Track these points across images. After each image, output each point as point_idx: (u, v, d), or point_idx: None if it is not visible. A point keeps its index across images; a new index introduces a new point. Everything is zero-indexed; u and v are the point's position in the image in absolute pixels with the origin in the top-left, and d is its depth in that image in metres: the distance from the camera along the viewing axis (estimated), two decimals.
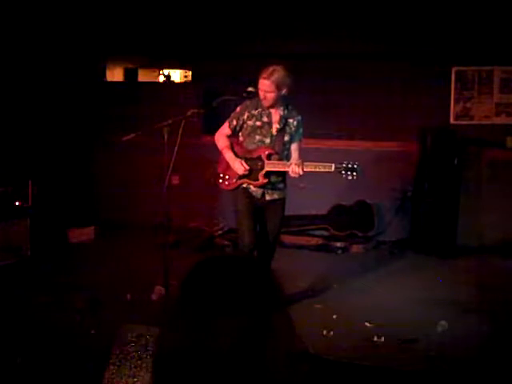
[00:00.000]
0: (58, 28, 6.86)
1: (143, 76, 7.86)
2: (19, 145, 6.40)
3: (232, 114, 4.25)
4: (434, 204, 6.38)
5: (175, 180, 6.72)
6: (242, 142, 4.26)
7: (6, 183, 5.72)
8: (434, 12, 6.43)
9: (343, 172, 3.95)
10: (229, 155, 4.20)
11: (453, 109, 6.81)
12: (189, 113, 4.14)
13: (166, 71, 7.71)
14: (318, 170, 3.97)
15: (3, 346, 3.74)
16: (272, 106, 4.12)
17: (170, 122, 4.03)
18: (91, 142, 7.55)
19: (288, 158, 4.24)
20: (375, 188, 6.73)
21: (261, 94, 4.05)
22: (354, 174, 3.94)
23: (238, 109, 4.22)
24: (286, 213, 6.65)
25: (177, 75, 7.79)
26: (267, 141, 4.15)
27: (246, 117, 4.17)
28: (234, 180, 4.21)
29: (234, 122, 4.21)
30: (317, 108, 6.86)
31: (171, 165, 4.00)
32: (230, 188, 4.25)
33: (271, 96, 4.03)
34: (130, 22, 7.18)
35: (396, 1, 6.54)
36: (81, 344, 3.84)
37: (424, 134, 6.48)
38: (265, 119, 4.14)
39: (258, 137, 4.16)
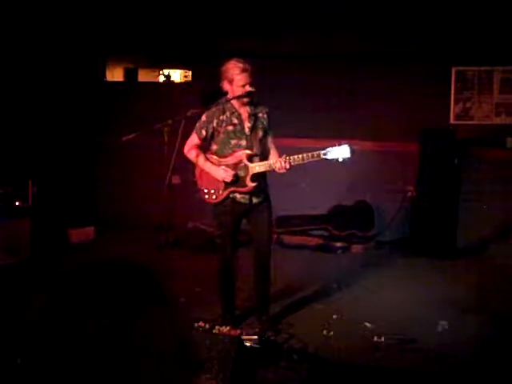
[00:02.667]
0: (58, 28, 6.86)
1: (143, 76, 7.87)
2: (19, 145, 6.41)
3: (198, 124, 4.11)
4: (434, 204, 6.38)
5: (175, 180, 6.73)
6: (215, 150, 4.10)
7: (5, 183, 5.72)
8: (434, 12, 6.43)
9: (332, 157, 3.75)
10: (208, 166, 4.06)
11: (453, 109, 6.81)
12: (189, 113, 4.11)
13: (166, 71, 7.72)
14: (306, 161, 3.81)
15: (3, 346, 3.74)
16: (247, 102, 3.99)
17: (169, 122, 4.01)
18: (91, 142, 7.55)
19: (266, 154, 4.09)
20: (375, 188, 6.74)
21: (245, 88, 3.90)
22: (345, 153, 3.73)
23: (204, 117, 4.07)
24: (287, 213, 6.71)
25: (177, 75, 7.80)
26: (243, 142, 4.02)
27: (215, 124, 4.02)
28: (221, 191, 4.05)
29: (204, 132, 4.07)
30: (317, 108, 6.87)
31: (171, 165, 3.99)
32: (218, 200, 4.08)
33: (253, 87, 3.93)
34: (130, 22, 7.18)
35: (396, 1, 6.53)
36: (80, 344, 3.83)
37: (424, 134, 6.49)
38: (235, 121, 4.01)
39: (233, 141, 4.02)
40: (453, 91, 6.79)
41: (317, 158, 3.78)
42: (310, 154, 3.79)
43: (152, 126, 3.99)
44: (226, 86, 3.99)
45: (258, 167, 3.97)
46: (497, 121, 6.72)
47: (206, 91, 6.97)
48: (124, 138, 4.06)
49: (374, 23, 6.65)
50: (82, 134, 7.46)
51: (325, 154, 3.76)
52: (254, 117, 4.04)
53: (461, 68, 6.76)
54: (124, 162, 7.31)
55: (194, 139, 4.13)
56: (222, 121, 4.03)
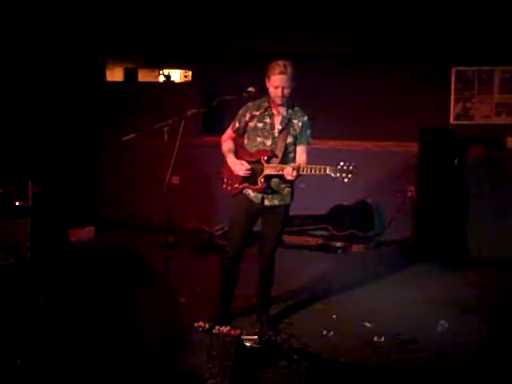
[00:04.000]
0: (58, 28, 6.86)
1: (143, 76, 7.87)
2: (19, 145, 6.41)
3: (235, 117, 4.19)
4: (434, 204, 6.38)
5: (175, 180, 6.73)
6: (245, 144, 4.16)
7: (6, 183, 5.72)
8: (434, 12, 6.43)
9: (338, 175, 3.74)
10: (230, 159, 4.13)
11: (453, 109, 6.82)
12: (189, 113, 4.11)
13: (166, 71, 7.72)
14: (314, 172, 3.81)
15: (3, 346, 3.74)
16: (283, 104, 4.06)
17: (169, 122, 4.01)
18: (91, 142, 7.55)
19: (294, 160, 4.09)
20: (375, 188, 6.74)
21: (277, 91, 3.92)
22: (350, 176, 3.72)
23: (241, 111, 4.15)
24: None
25: (177, 75, 7.79)
26: (268, 143, 4.04)
27: (247, 118, 4.09)
28: (236, 185, 4.11)
29: (237, 124, 4.15)
30: (317, 108, 6.84)
31: (171, 165, 3.99)
32: (233, 193, 4.14)
33: (288, 91, 3.94)
34: (129, 22, 7.18)
35: (396, 1, 6.53)
36: (80, 344, 3.84)
37: (424, 134, 6.49)
38: (267, 120, 4.05)
39: (259, 139, 4.06)
40: (453, 91, 6.80)
41: (323, 173, 3.78)
42: (317, 168, 3.79)
43: (152, 126, 3.99)
44: (267, 83, 4.01)
45: (270, 169, 3.98)
46: (497, 121, 6.73)
47: (206, 91, 6.99)
48: (124, 138, 4.07)
49: (374, 23, 6.65)
50: (81, 134, 7.46)
51: (331, 171, 3.77)
52: (287, 121, 4.05)
53: (461, 68, 6.76)
54: (124, 161, 7.31)
55: (229, 131, 4.21)
56: (254, 116, 4.07)
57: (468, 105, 6.78)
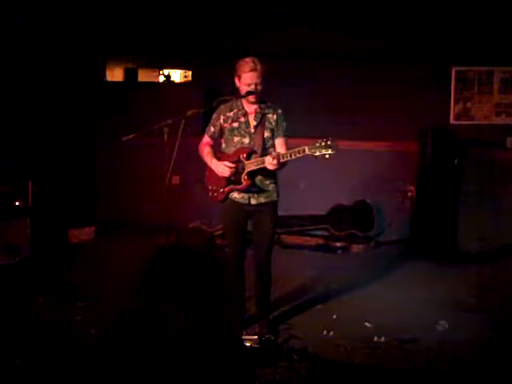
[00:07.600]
0: (58, 28, 6.86)
1: (143, 76, 7.87)
2: (19, 145, 6.41)
3: (209, 122, 4.16)
4: (434, 204, 6.38)
5: (175, 180, 6.73)
6: (224, 148, 4.13)
7: (6, 183, 5.72)
8: (434, 12, 6.44)
9: (318, 153, 3.66)
10: (213, 163, 4.09)
11: (453, 109, 6.81)
12: (189, 113, 4.12)
13: (166, 71, 7.72)
14: (294, 156, 3.74)
15: (3, 346, 3.74)
16: (255, 101, 4.00)
17: (169, 121, 4.02)
18: (91, 142, 7.56)
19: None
20: (375, 188, 6.74)
21: (249, 88, 3.90)
22: (330, 150, 3.64)
23: (214, 115, 4.12)
24: (286, 213, 6.69)
25: (177, 75, 7.80)
26: (246, 140, 4.01)
27: (222, 121, 4.06)
28: (222, 189, 4.07)
29: (212, 129, 4.12)
30: (317, 108, 6.87)
31: (171, 165, 4.00)
32: (220, 198, 4.09)
33: (260, 88, 3.93)
34: (130, 22, 7.18)
35: (396, 1, 6.54)
36: (81, 344, 3.84)
37: (424, 134, 6.49)
38: (241, 119, 4.03)
39: (236, 138, 4.03)
40: (453, 91, 6.79)
41: (303, 154, 3.73)
42: (296, 150, 3.76)
43: (152, 126, 4.00)
44: (236, 82, 4.01)
45: (251, 165, 3.96)
46: (497, 121, 6.73)
47: (206, 91, 6.98)
48: (124, 138, 4.07)
49: (374, 23, 6.65)
50: (81, 134, 7.46)
51: (310, 150, 3.73)
52: (260, 115, 4.04)
53: (461, 68, 6.76)
54: (124, 162, 7.31)
55: (204, 137, 4.19)
56: (229, 117, 4.05)
57: (468, 105, 6.78)
